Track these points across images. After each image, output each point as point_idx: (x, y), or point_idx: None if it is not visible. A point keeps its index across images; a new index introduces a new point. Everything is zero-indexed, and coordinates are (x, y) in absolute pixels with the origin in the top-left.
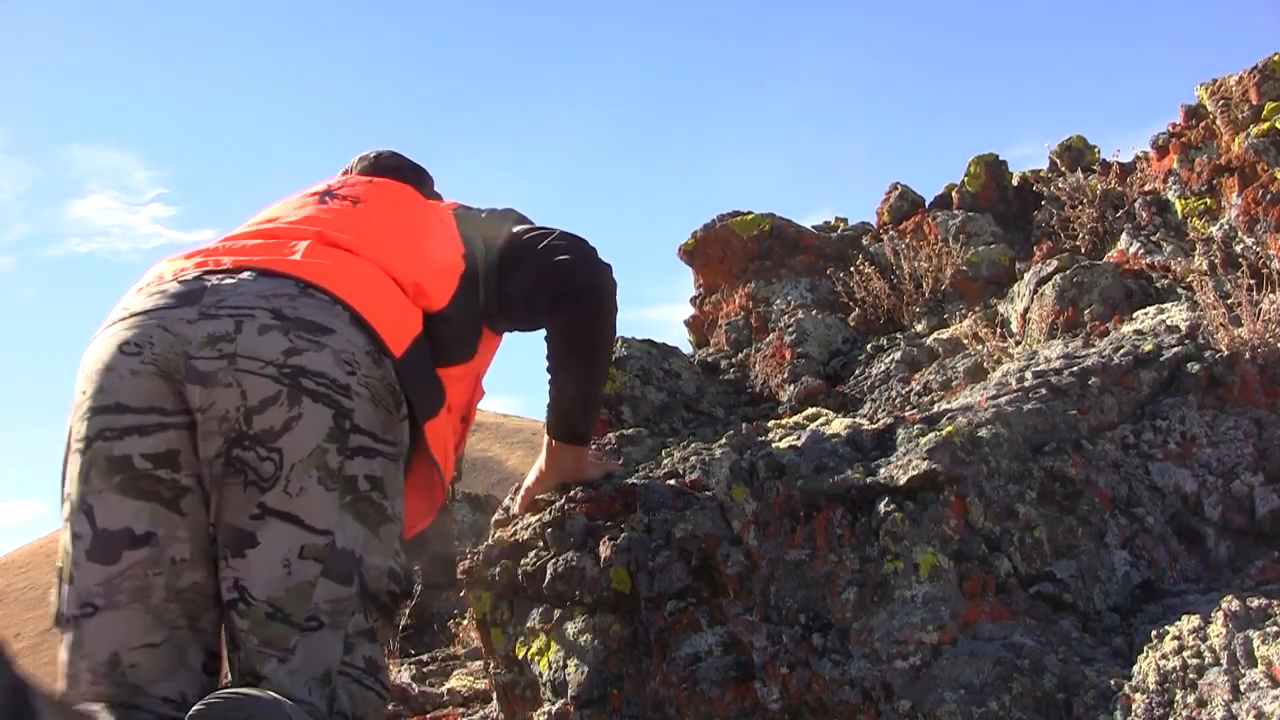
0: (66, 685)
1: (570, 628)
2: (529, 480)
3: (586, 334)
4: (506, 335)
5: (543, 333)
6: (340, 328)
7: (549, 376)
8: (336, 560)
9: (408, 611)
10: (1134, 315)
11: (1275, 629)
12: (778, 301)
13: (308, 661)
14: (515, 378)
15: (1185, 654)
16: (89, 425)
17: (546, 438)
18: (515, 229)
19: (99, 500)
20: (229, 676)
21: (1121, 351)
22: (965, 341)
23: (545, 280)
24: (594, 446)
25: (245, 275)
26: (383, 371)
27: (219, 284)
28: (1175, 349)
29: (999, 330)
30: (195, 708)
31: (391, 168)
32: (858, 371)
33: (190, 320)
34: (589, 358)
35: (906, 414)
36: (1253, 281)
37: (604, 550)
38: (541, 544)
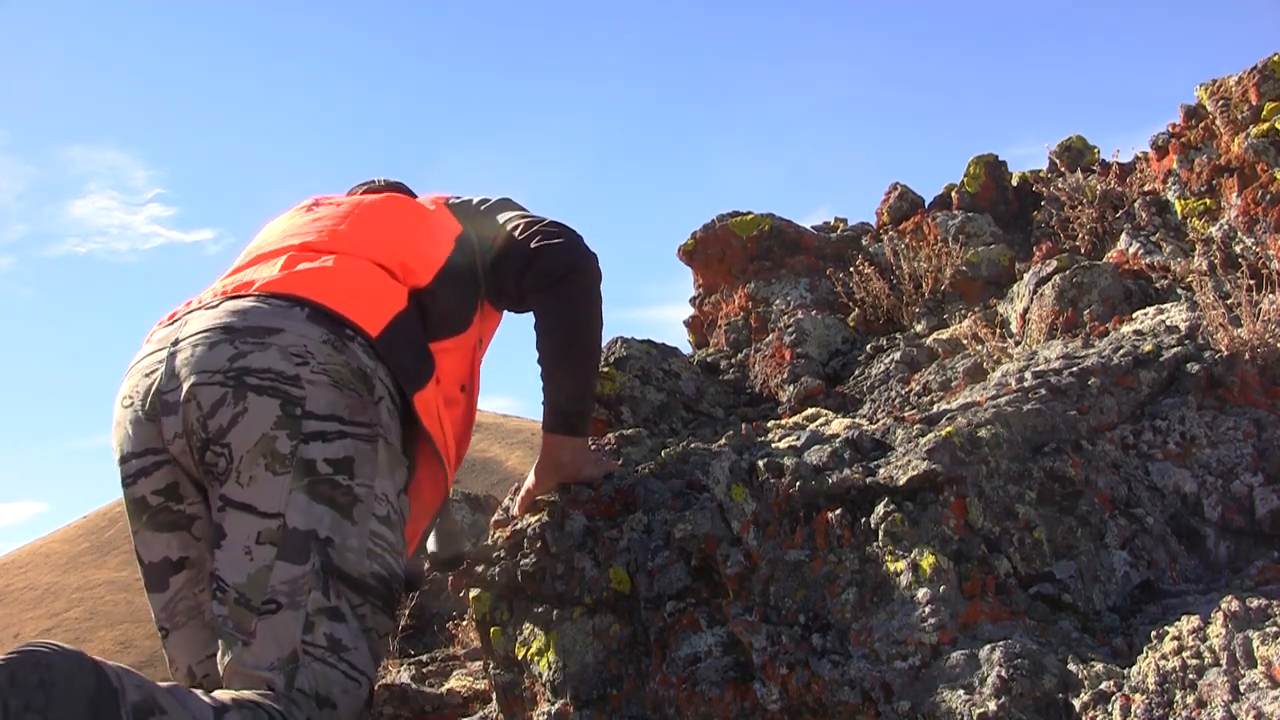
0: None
1: (570, 628)
2: (529, 480)
3: (572, 317)
4: (507, 338)
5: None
6: (291, 325)
7: (541, 370)
8: (289, 541)
9: (408, 611)
10: (1133, 315)
11: (1275, 629)
12: (777, 302)
13: (268, 643)
14: (514, 378)
15: (1185, 654)
16: (120, 477)
17: (543, 435)
18: (506, 216)
19: (139, 540)
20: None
21: (1121, 352)
22: (965, 342)
23: (531, 264)
24: (593, 446)
25: (214, 304)
26: (345, 357)
27: (186, 321)
28: (1175, 349)
29: (998, 330)
30: None
31: (384, 188)
32: (857, 372)
33: (162, 360)
34: (577, 343)
35: (906, 414)
36: (1252, 282)
37: (603, 551)
38: (541, 544)
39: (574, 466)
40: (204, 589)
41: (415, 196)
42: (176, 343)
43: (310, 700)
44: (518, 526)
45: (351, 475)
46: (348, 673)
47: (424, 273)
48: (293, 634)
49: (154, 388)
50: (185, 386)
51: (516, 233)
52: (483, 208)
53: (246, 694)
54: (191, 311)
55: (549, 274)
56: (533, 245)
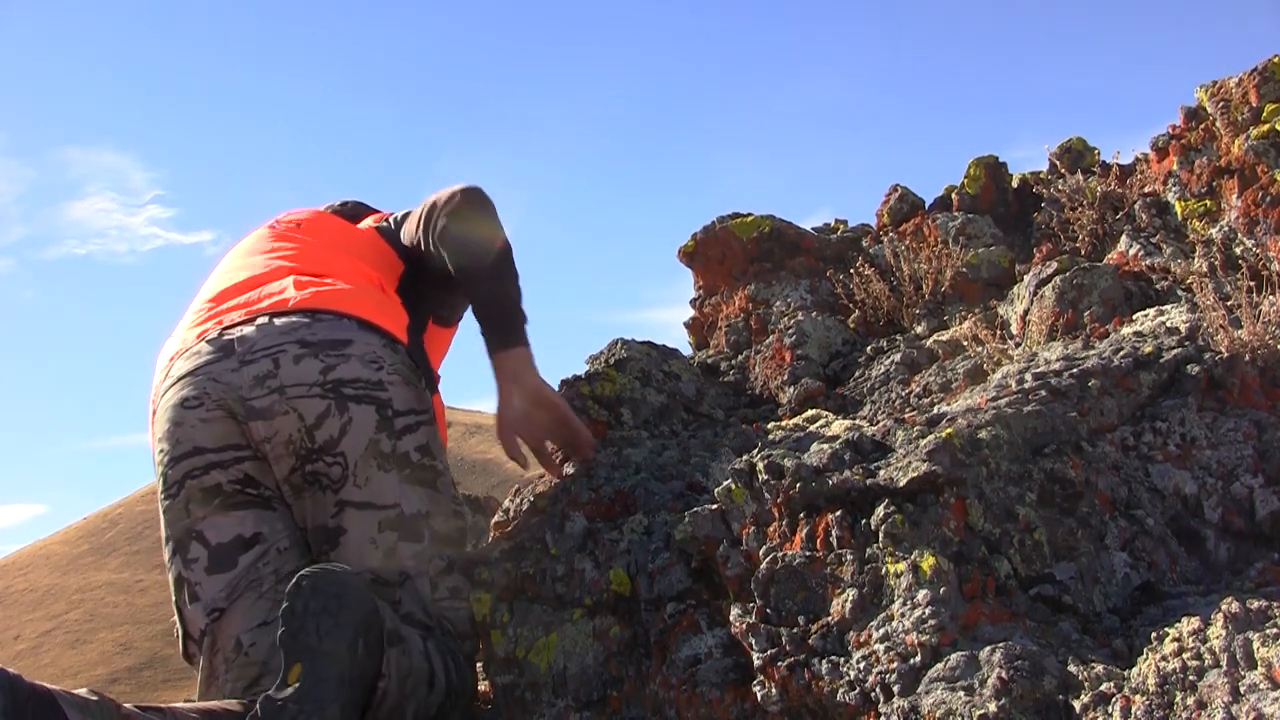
0: (206, 687)
1: (570, 630)
2: (498, 412)
3: (477, 231)
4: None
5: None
6: (356, 335)
7: (470, 295)
8: (407, 524)
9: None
10: (1134, 317)
11: (1275, 631)
12: (777, 303)
13: (412, 606)
14: None
15: (1185, 656)
16: (175, 471)
17: (492, 361)
18: (396, 216)
19: (206, 524)
20: None
21: (1121, 353)
22: (965, 343)
23: (425, 211)
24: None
25: (261, 321)
26: (400, 356)
27: (244, 334)
28: (1175, 351)
29: (999, 332)
30: (301, 573)
31: (346, 214)
32: (857, 373)
33: (233, 369)
34: (491, 251)
35: (906, 416)
36: (1253, 283)
37: (603, 552)
38: (541, 546)
39: (533, 383)
40: (269, 563)
41: (376, 212)
42: (246, 356)
43: (453, 637)
44: (517, 527)
45: (432, 456)
46: (466, 609)
47: (394, 294)
48: (425, 595)
49: (235, 393)
50: (280, 396)
51: (414, 212)
52: (396, 217)
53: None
54: (234, 328)
55: (443, 205)
56: (424, 203)
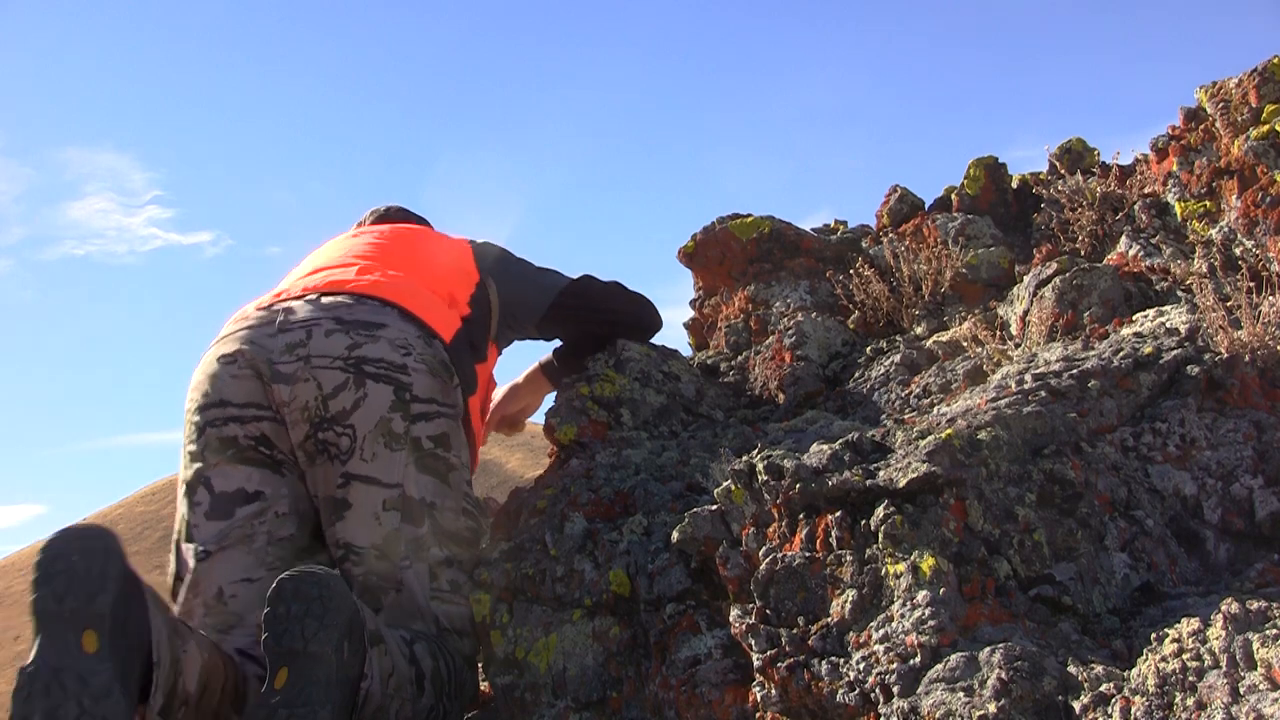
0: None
1: (570, 630)
2: (500, 395)
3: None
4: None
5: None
6: (392, 322)
7: (566, 361)
8: (409, 507)
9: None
10: (1133, 318)
11: (1275, 631)
12: (777, 304)
13: (411, 592)
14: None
15: (1185, 656)
16: (200, 418)
17: (539, 377)
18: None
19: (215, 471)
20: None
21: (1121, 354)
22: (965, 344)
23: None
24: (594, 454)
25: (310, 297)
26: (434, 350)
27: (290, 306)
28: (1175, 351)
29: (998, 333)
30: (281, 577)
31: (399, 220)
32: (857, 374)
33: (270, 335)
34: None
35: (906, 416)
36: (1252, 284)
37: (603, 553)
38: (541, 546)
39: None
40: (265, 523)
41: (427, 224)
42: (285, 325)
43: (452, 633)
44: (518, 528)
45: (447, 449)
46: (467, 607)
47: (462, 305)
48: (424, 584)
49: (266, 356)
50: (305, 364)
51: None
52: (512, 266)
53: (417, 627)
54: (285, 301)
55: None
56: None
